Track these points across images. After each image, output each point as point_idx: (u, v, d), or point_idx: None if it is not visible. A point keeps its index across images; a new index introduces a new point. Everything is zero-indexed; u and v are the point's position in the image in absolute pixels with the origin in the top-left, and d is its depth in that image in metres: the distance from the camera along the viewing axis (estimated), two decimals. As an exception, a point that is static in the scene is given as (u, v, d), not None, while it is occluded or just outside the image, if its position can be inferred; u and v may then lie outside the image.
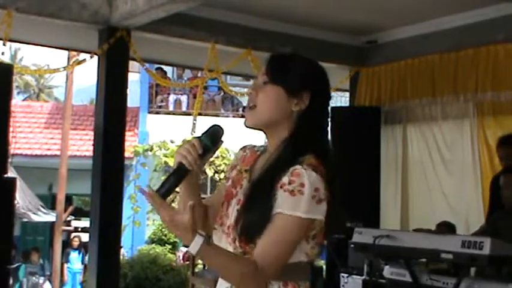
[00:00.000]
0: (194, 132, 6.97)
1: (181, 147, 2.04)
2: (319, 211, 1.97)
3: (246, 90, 9.62)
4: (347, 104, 8.39)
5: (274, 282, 2.00)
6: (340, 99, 14.21)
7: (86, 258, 14.26)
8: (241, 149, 2.25)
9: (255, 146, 2.23)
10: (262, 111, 2.07)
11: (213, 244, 1.97)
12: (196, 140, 2.04)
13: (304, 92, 2.07)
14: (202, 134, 2.06)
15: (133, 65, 7.24)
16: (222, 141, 2.07)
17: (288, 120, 2.07)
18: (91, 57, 6.33)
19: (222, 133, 2.07)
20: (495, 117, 6.22)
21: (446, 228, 5.36)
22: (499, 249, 3.76)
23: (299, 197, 1.94)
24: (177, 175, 2.01)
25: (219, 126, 2.08)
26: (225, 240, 2.06)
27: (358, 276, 5.24)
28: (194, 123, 6.90)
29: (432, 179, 6.79)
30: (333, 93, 8.04)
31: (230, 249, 2.02)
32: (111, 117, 6.15)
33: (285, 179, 1.96)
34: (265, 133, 2.13)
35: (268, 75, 2.08)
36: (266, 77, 2.08)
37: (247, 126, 2.11)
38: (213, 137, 2.06)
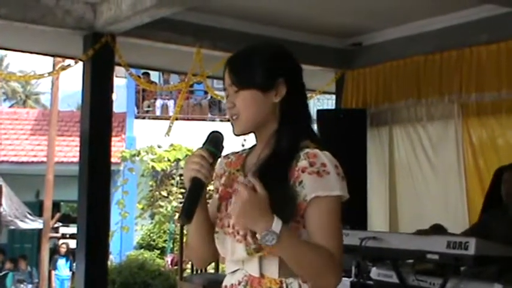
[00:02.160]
0: (168, 135, 6.96)
1: (190, 162, 1.97)
2: (345, 188, 1.97)
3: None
4: (333, 107, 8.41)
5: (293, 279, 1.94)
6: (327, 102, 14.25)
7: (74, 264, 14.22)
8: (223, 157, 2.18)
9: (237, 152, 2.19)
10: (246, 118, 2.01)
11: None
12: (203, 150, 1.98)
13: (278, 81, 2.01)
14: (204, 143, 2.02)
15: (120, 70, 7.23)
16: (224, 146, 2.04)
17: (274, 112, 2.03)
18: (75, 62, 6.32)
19: (223, 138, 2.04)
20: (479, 118, 6.26)
21: (438, 230, 5.36)
22: (484, 249, 3.79)
23: (327, 176, 1.91)
24: (195, 191, 1.95)
25: (218, 132, 2.05)
26: (230, 241, 1.99)
27: (346, 278, 5.24)
28: (170, 126, 6.88)
29: (418, 180, 6.82)
30: (319, 96, 8.02)
31: (240, 247, 1.94)
32: (97, 122, 6.14)
33: (303, 163, 1.92)
34: (254, 133, 2.08)
35: (235, 84, 2.01)
36: (234, 87, 2.01)
37: (236, 135, 2.06)
38: (216, 143, 2.02)
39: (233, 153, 2.19)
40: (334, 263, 1.89)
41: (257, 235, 1.86)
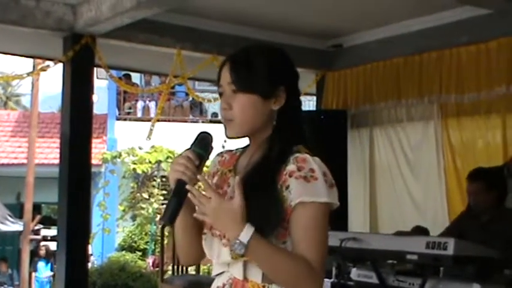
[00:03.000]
0: (150, 138, 6.94)
1: (176, 163, 1.94)
2: (334, 196, 1.93)
3: (213, 95, 9.61)
4: (314, 108, 8.43)
5: (276, 285, 1.91)
6: (308, 104, 14.28)
7: (55, 266, 14.14)
8: (217, 155, 2.17)
9: (231, 150, 2.16)
10: (242, 123, 1.97)
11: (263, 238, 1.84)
12: (189, 152, 1.95)
13: (279, 89, 1.98)
14: (192, 144, 1.98)
15: (101, 71, 7.20)
16: (213, 147, 2.00)
17: (270, 118, 1.99)
18: (55, 63, 6.29)
19: (212, 139, 2.00)
20: (459, 119, 6.30)
21: (419, 232, 5.40)
22: (463, 250, 3.82)
23: (314, 182, 1.88)
24: (180, 194, 1.92)
25: (207, 132, 2.01)
26: (217, 243, 1.97)
27: (327, 279, 5.26)
28: (151, 129, 6.86)
29: (399, 181, 6.85)
30: (302, 98, 8.00)
31: (225, 250, 1.93)
32: (77, 124, 6.11)
33: (292, 167, 1.89)
34: (248, 136, 2.05)
35: (235, 84, 1.96)
36: (233, 86, 1.96)
37: (228, 137, 2.02)
38: (204, 144, 1.98)
39: (228, 152, 2.17)
40: (312, 274, 1.85)
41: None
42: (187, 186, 1.90)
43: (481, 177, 4.73)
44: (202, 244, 2.04)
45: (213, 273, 2.06)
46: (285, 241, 1.90)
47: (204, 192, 1.88)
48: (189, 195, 1.89)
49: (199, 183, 1.94)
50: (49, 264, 15.11)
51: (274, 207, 1.87)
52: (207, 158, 1.99)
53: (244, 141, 2.11)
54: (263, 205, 1.86)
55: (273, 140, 1.98)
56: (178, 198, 1.92)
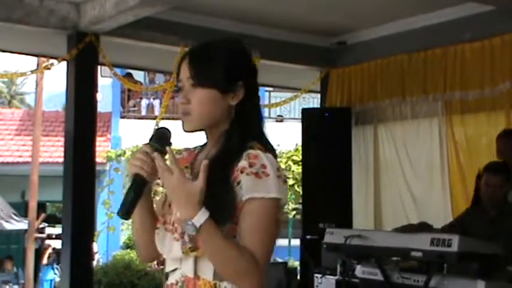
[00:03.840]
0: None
1: (134, 158, 1.94)
2: (285, 192, 1.94)
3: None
4: (318, 106, 8.43)
5: (227, 283, 1.92)
6: (312, 101, 14.28)
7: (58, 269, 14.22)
8: (176, 153, 2.12)
9: (189, 148, 2.17)
10: (199, 117, 1.98)
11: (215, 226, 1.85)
12: (147, 147, 1.95)
13: (238, 84, 1.98)
14: (150, 139, 1.99)
15: (105, 70, 7.22)
16: (171, 143, 2.00)
17: (228, 113, 2.00)
18: (59, 61, 6.30)
19: (170, 134, 2.00)
20: (463, 116, 6.29)
21: (424, 228, 5.38)
22: (467, 246, 3.82)
23: (265, 178, 1.88)
24: (137, 188, 1.93)
25: (165, 128, 2.02)
26: (169, 238, 1.98)
27: (332, 276, 5.27)
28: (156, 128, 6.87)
29: (403, 178, 6.84)
30: (304, 95, 7.99)
31: (177, 245, 1.94)
32: (81, 122, 6.12)
33: (243, 163, 1.90)
34: (205, 131, 2.06)
35: (193, 78, 1.96)
36: (192, 81, 1.97)
37: (185, 131, 2.02)
38: (162, 139, 1.98)
39: (186, 149, 2.17)
40: (255, 265, 1.86)
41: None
42: (155, 155, 1.90)
43: (504, 170, 4.73)
44: (155, 239, 2.05)
45: (166, 269, 2.06)
46: (234, 235, 1.90)
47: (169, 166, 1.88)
48: (156, 163, 1.88)
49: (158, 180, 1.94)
50: (53, 270, 15.08)
51: (227, 201, 1.88)
52: (165, 153, 1.97)
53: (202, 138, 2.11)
54: (217, 197, 1.87)
55: (230, 134, 1.99)
56: (135, 192, 1.92)
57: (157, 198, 2.09)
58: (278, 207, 1.92)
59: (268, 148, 1.98)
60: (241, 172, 1.90)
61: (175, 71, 2.06)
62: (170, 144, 1.99)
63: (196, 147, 2.16)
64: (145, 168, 1.92)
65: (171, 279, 2.03)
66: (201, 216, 1.82)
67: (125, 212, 1.92)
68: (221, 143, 2.00)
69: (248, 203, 1.88)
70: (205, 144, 2.11)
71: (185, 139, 2.21)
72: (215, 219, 1.85)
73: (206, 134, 2.07)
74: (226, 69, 1.97)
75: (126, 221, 2.10)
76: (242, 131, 1.98)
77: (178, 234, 1.93)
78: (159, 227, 2.04)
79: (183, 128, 2.02)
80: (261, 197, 1.88)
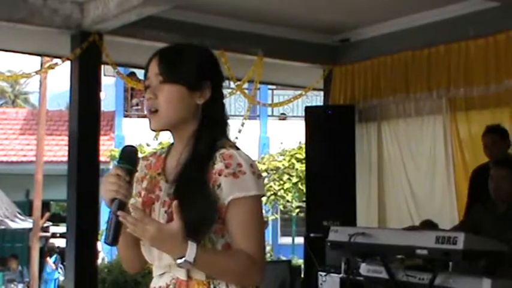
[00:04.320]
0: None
1: (107, 183, 1.92)
2: (262, 186, 1.98)
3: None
4: (321, 103, 8.42)
5: (220, 280, 1.95)
6: (315, 99, 14.26)
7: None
8: (142, 159, 2.14)
9: (155, 152, 2.16)
10: (167, 114, 1.99)
11: (206, 247, 1.90)
12: (118, 169, 1.93)
13: (205, 83, 2.01)
14: (119, 160, 1.97)
15: (108, 68, 7.22)
16: (139, 159, 2.02)
17: (195, 113, 2.02)
18: (62, 61, 6.30)
19: (137, 152, 2.01)
20: (467, 113, 6.28)
21: (429, 227, 5.38)
22: (473, 244, 3.80)
23: (243, 177, 1.92)
24: (118, 214, 1.90)
25: (131, 146, 2.02)
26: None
27: (336, 275, 5.26)
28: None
29: (407, 175, 6.83)
30: (307, 93, 7.92)
31: (163, 255, 1.94)
32: (85, 121, 6.13)
33: (220, 166, 1.92)
34: (172, 132, 2.06)
35: (162, 75, 1.99)
36: (161, 77, 1.99)
37: (153, 130, 2.04)
38: (131, 158, 1.98)
39: (151, 155, 2.16)
40: (255, 264, 1.92)
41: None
42: (121, 213, 1.88)
43: (511, 164, 4.73)
44: (142, 250, 2.05)
45: (154, 274, 2.06)
46: (223, 235, 1.95)
47: (136, 217, 1.86)
48: (125, 222, 1.87)
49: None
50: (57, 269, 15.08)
51: (208, 206, 1.90)
52: (136, 171, 2.00)
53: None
54: (197, 205, 1.89)
55: (199, 136, 2.01)
56: (117, 217, 1.89)
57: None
58: (260, 202, 1.97)
59: (237, 147, 2.01)
60: (219, 175, 1.93)
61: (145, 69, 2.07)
62: (138, 160, 2.01)
63: (162, 150, 2.15)
64: (121, 191, 1.91)
65: (160, 283, 2.02)
66: (192, 250, 1.85)
67: (113, 239, 1.91)
68: (191, 145, 2.01)
69: (232, 204, 1.92)
70: (172, 145, 2.11)
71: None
72: (199, 227, 1.88)
73: (173, 134, 2.07)
74: (195, 67, 2.01)
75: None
76: (211, 131, 2.00)
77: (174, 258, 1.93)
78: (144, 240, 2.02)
79: (150, 126, 2.04)
80: (242, 196, 1.92)
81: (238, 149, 1.99)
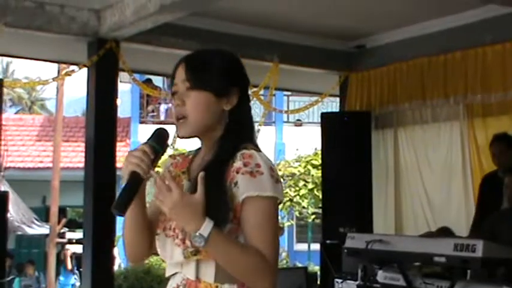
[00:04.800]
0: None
1: (131, 155, 1.93)
2: (280, 191, 1.95)
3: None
4: (337, 109, 8.40)
5: (229, 285, 1.93)
6: (331, 105, 14.24)
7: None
8: (169, 156, 2.17)
9: (183, 153, 2.18)
10: (195, 121, 2.00)
11: (221, 231, 1.87)
12: (145, 146, 1.95)
13: (232, 90, 2.02)
14: (149, 139, 1.98)
15: (124, 75, 7.26)
16: (168, 145, 2.02)
17: (221, 119, 2.02)
18: (79, 68, 6.34)
19: (168, 136, 2.01)
20: (484, 119, 6.24)
21: (445, 233, 5.36)
22: (492, 252, 3.77)
23: (260, 177, 1.90)
24: (133, 185, 1.91)
25: (164, 129, 2.02)
26: (170, 243, 1.99)
27: (352, 281, 5.22)
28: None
29: (424, 182, 6.79)
30: (325, 99, 7.87)
31: (178, 250, 1.95)
32: (102, 128, 6.16)
33: (238, 164, 1.92)
34: (199, 138, 2.07)
35: (190, 81, 1.99)
36: (188, 83, 1.99)
37: (180, 137, 2.04)
38: (160, 140, 1.98)
39: (179, 154, 2.18)
40: (267, 264, 1.89)
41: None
42: (153, 172, 1.91)
43: None
44: (156, 245, 2.06)
45: (167, 273, 2.07)
46: (237, 236, 1.92)
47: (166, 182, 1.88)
48: (152, 182, 1.88)
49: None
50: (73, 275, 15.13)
51: (224, 204, 1.89)
52: (162, 154, 1.98)
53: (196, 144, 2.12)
54: (213, 202, 1.88)
55: (224, 140, 2.01)
56: (131, 189, 1.90)
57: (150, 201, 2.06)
58: (275, 205, 1.95)
59: (259, 150, 2.00)
60: (237, 172, 1.92)
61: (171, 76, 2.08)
62: (167, 146, 2.01)
63: (190, 152, 2.17)
64: (142, 166, 1.91)
65: (172, 284, 2.04)
66: (207, 226, 1.84)
67: (119, 208, 1.90)
68: (216, 148, 2.01)
69: (245, 202, 1.90)
70: (199, 149, 2.12)
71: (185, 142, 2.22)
72: (215, 223, 1.86)
73: (201, 140, 2.09)
74: (222, 73, 2.01)
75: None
76: (236, 137, 2.01)
77: (180, 239, 1.94)
78: (159, 233, 2.05)
79: (178, 133, 2.04)
80: (256, 195, 1.90)
81: (260, 151, 1.98)
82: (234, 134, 2.01)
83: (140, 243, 2.08)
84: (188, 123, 2.00)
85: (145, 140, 2.00)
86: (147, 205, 2.03)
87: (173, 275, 2.05)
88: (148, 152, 1.93)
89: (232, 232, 1.92)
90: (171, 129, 2.10)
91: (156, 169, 1.97)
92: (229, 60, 2.07)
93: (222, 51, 2.10)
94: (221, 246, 1.86)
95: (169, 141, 2.03)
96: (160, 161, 2.02)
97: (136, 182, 1.91)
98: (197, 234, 1.83)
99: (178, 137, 2.04)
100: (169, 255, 2.00)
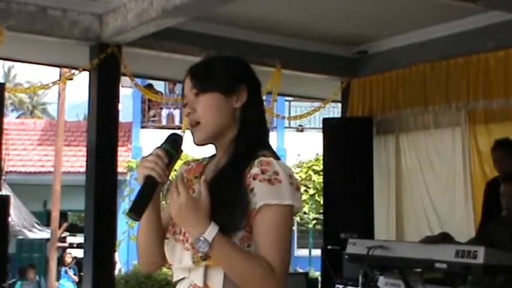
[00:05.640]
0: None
1: (145, 160, 1.94)
2: (298, 199, 1.93)
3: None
4: (339, 115, 8.40)
5: None
6: (332, 110, 14.23)
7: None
8: (184, 163, 2.17)
9: (198, 160, 2.18)
10: (208, 123, 2.00)
11: (226, 236, 1.85)
12: (160, 150, 1.95)
13: (240, 87, 2.02)
14: (163, 143, 1.99)
15: (126, 80, 7.27)
16: (182, 150, 2.01)
17: (234, 119, 2.02)
18: (80, 71, 6.34)
19: (182, 141, 2.01)
20: (487, 125, 6.24)
21: (446, 239, 5.34)
22: (493, 258, 3.76)
23: (278, 185, 1.88)
24: (148, 190, 1.92)
25: (177, 134, 2.03)
26: (180, 248, 1.97)
27: (353, 287, 5.23)
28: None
29: (425, 188, 6.79)
30: (327, 104, 7.88)
31: (188, 255, 1.93)
32: (103, 132, 6.15)
33: (256, 170, 1.90)
34: (214, 144, 2.07)
35: (196, 87, 2.01)
36: (195, 89, 2.01)
37: (197, 144, 2.04)
38: (174, 144, 1.99)
39: (194, 161, 2.18)
40: (273, 276, 1.85)
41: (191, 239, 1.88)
42: (150, 195, 1.91)
43: None
44: (165, 249, 2.04)
45: (174, 278, 2.05)
46: (249, 244, 1.89)
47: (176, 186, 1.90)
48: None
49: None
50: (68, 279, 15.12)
51: (237, 210, 1.87)
52: (177, 159, 1.99)
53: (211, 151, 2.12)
54: (227, 206, 1.87)
55: (239, 141, 2.01)
56: (146, 193, 1.91)
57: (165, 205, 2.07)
58: (291, 214, 1.92)
59: (277, 157, 1.99)
60: (254, 179, 1.90)
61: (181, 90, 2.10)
62: (181, 151, 2.00)
63: (204, 158, 2.17)
64: (157, 170, 1.92)
65: None
66: (212, 230, 1.83)
67: (136, 213, 1.90)
68: (230, 151, 2.01)
69: (262, 210, 1.88)
70: (214, 155, 2.12)
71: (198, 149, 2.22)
72: (226, 227, 1.86)
73: (215, 145, 2.08)
74: (226, 72, 2.03)
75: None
76: (250, 137, 2.00)
77: (189, 244, 1.93)
78: (169, 237, 2.04)
79: (194, 140, 2.04)
80: (275, 204, 1.87)
81: (278, 159, 1.97)
82: (247, 135, 2.00)
83: (155, 250, 2.07)
84: (202, 128, 2.01)
85: (147, 145, 2.01)
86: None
87: (180, 280, 2.02)
88: (162, 156, 1.94)
89: (244, 240, 1.89)
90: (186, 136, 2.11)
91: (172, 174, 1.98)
92: (233, 60, 2.09)
93: (225, 55, 2.12)
94: (225, 252, 1.85)
95: (182, 147, 2.01)
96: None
97: (151, 186, 1.92)
98: (201, 238, 1.83)
99: (195, 144, 2.04)
100: (178, 260, 1.99)
